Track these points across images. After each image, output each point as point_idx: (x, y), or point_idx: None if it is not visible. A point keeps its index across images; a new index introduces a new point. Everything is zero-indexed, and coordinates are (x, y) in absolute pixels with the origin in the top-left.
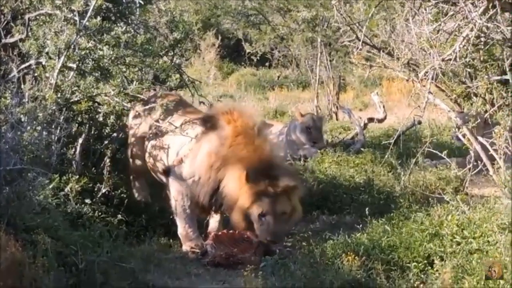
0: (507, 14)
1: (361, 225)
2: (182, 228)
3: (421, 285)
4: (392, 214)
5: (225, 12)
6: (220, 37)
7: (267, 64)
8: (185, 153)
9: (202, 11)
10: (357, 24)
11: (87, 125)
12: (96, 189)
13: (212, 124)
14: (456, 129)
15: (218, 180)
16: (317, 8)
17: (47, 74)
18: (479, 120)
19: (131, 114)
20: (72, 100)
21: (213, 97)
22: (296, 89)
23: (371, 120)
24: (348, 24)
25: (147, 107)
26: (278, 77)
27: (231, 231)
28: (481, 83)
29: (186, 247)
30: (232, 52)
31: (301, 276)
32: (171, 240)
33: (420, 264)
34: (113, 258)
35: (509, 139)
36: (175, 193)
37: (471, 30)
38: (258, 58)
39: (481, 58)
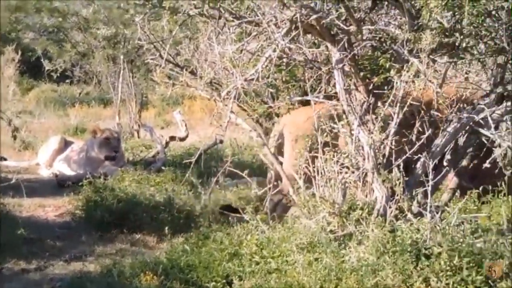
0: (309, 36)
1: (160, 244)
2: None
3: None
4: (192, 233)
5: (25, 26)
6: (20, 52)
7: (68, 80)
8: None
9: (2, 25)
10: (160, 42)
11: None
12: None
13: None
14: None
15: None
16: (117, 26)
17: None
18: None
19: None
20: None
21: (11, 112)
22: (98, 106)
23: (172, 138)
24: (150, 42)
25: None
26: (80, 93)
27: None
28: (283, 103)
29: None
30: (33, 68)
31: None
32: None
33: (219, 284)
34: None
35: (309, 159)
36: None
37: (274, 50)
38: (58, 74)
39: (283, 79)
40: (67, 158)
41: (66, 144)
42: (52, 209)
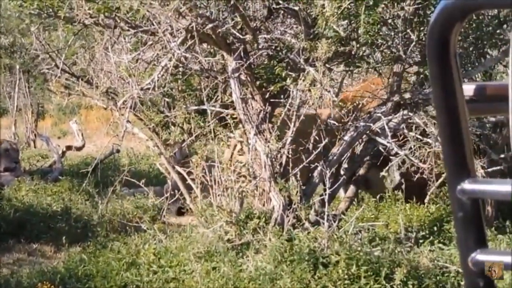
0: (205, 45)
1: (58, 254)
2: None
3: None
4: (89, 243)
5: None
6: None
7: None
8: None
9: None
10: (56, 52)
11: None
12: None
13: None
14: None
15: None
16: (14, 35)
17: None
18: (177, 149)
19: None
20: None
21: None
22: None
23: (69, 148)
24: (47, 51)
25: None
26: None
27: None
28: (179, 113)
29: None
30: None
31: None
32: None
33: None
34: None
35: (206, 168)
36: None
37: (170, 60)
38: None
39: (180, 88)
40: None
41: None
42: None
